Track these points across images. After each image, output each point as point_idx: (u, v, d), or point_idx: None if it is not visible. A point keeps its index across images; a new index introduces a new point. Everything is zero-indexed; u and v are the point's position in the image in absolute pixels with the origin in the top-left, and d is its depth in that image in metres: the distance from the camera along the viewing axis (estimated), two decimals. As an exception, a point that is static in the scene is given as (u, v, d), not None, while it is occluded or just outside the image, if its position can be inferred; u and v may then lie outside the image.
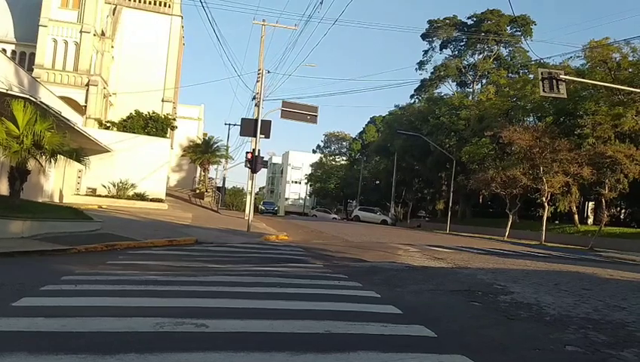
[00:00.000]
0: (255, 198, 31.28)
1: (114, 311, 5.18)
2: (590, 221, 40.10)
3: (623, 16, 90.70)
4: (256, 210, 42.27)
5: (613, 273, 12.24)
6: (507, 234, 32.06)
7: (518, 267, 12.47)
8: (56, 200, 26.75)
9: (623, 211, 42.63)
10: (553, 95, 22.52)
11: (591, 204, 41.64)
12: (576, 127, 34.71)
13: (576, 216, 35.26)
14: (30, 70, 35.67)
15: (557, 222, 38.18)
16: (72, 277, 7.08)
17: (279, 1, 57.00)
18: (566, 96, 24.05)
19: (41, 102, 15.30)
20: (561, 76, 21.42)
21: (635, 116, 31.15)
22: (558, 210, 35.60)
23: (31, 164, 12.67)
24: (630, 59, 32.09)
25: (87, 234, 12.99)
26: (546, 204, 31.26)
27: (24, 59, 40.54)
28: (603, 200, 31.16)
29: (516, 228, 33.42)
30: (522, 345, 4.82)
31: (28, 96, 13.93)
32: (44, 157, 12.59)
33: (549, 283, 9.23)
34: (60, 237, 11.38)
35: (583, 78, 30.72)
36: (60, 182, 27.54)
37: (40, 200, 20.99)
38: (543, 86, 21.17)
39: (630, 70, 31.86)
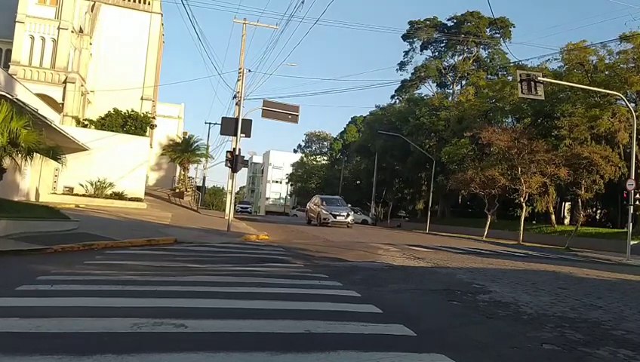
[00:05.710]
0: (236, 197, 30.95)
1: (91, 311, 5.11)
2: (567, 221, 40.74)
3: (601, 19, 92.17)
4: (231, 210, 41.53)
5: (589, 272, 12.46)
6: (486, 233, 32.40)
7: (497, 266, 12.61)
8: (33, 199, 26.27)
9: (598, 211, 43.40)
10: (531, 97, 22.82)
11: (567, 205, 42.35)
12: (554, 129, 35.21)
13: (553, 216, 35.78)
14: (6, 67, 35.01)
15: (534, 222, 38.70)
16: (49, 277, 6.97)
17: (261, 0, 56.85)
18: (544, 98, 24.40)
19: (17, 99, 15.06)
20: (539, 78, 21.71)
21: (611, 118, 31.66)
22: (536, 210, 36.15)
23: (6, 162, 12.43)
24: (606, 61, 32.64)
25: (64, 233, 12.78)
26: (523, 204, 31.69)
27: (0, 56, 39.76)
28: (579, 200, 31.67)
29: (495, 228, 33.81)
30: (501, 344, 4.86)
31: (4, 93, 13.71)
32: (20, 155, 12.36)
33: (526, 283, 9.36)
34: (36, 237, 11.17)
35: (561, 80, 31.16)
36: (37, 180, 27.05)
37: (16, 199, 20.59)
38: (522, 88, 21.46)
39: (606, 72, 32.36)
